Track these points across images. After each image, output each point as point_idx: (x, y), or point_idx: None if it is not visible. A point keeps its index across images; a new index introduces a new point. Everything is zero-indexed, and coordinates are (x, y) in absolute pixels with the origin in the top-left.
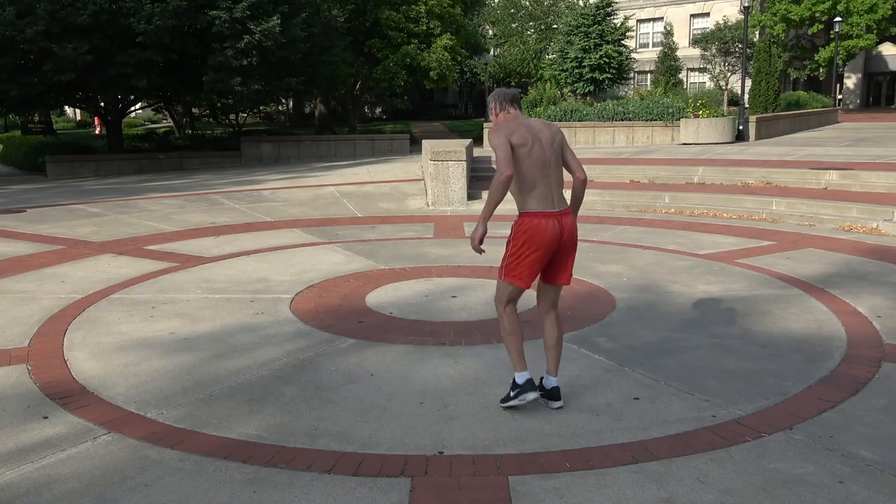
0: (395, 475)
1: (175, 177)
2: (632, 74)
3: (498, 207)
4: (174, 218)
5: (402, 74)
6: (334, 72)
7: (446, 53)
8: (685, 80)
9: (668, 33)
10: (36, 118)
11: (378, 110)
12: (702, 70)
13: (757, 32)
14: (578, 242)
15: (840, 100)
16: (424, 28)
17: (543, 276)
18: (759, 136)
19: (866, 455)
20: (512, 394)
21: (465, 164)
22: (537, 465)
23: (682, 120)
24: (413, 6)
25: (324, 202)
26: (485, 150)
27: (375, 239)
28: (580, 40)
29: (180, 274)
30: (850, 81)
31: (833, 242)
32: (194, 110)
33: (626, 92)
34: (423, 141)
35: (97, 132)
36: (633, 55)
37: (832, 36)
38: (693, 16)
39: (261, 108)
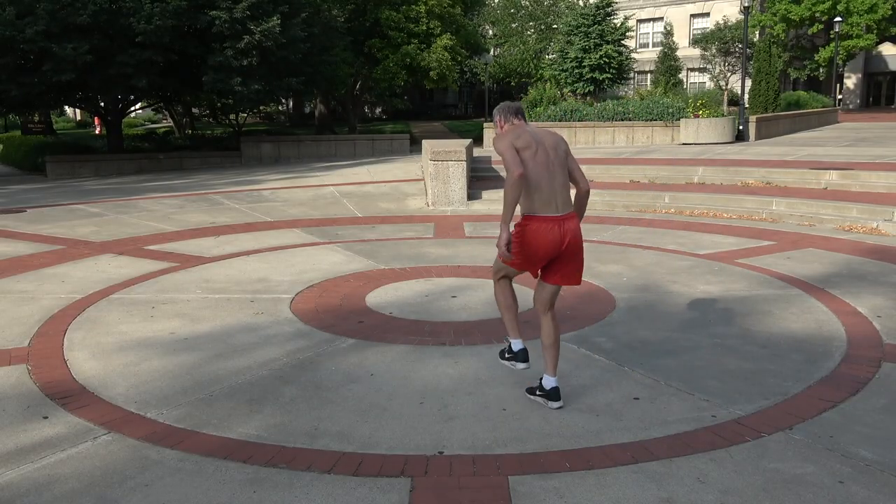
0: (395, 475)
1: (175, 177)
2: (632, 74)
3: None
4: (174, 218)
5: (402, 74)
6: (334, 72)
7: (446, 53)
8: (685, 80)
9: (668, 33)
10: (36, 118)
11: (378, 110)
12: (702, 70)
13: (757, 32)
14: None
15: (840, 100)
16: (424, 28)
17: (543, 274)
18: (759, 136)
19: (866, 455)
20: (507, 356)
21: (465, 164)
22: (537, 465)
23: (682, 120)
24: (413, 6)
25: (324, 202)
26: (485, 151)
27: (375, 239)
28: (580, 40)
29: (180, 274)
30: (850, 81)
31: (833, 242)
32: (194, 110)
33: (626, 92)
34: (423, 141)
35: (97, 132)
36: (633, 55)
37: (832, 36)
38: (693, 16)
39: (261, 108)
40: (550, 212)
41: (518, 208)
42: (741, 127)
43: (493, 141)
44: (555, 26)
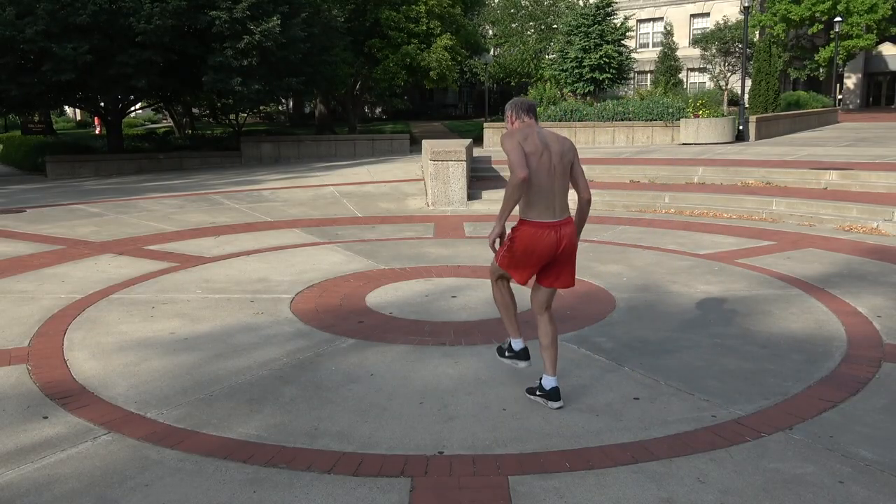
0: (395, 475)
1: (175, 177)
2: (632, 74)
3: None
4: (174, 218)
5: (402, 74)
6: (334, 72)
7: (446, 53)
8: (685, 80)
9: (668, 33)
10: (36, 118)
11: (378, 110)
12: (702, 70)
13: (757, 32)
14: (579, 243)
15: (840, 100)
16: (424, 28)
17: (539, 277)
18: (759, 136)
19: (866, 455)
20: (507, 354)
21: (465, 164)
22: (537, 465)
23: (682, 120)
24: (413, 6)
25: (324, 202)
26: (485, 151)
27: (375, 239)
28: (580, 40)
29: (180, 274)
30: (850, 81)
31: (833, 242)
32: (194, 110)
33: (626, 92)
34: (423, 141)
35: (97, 132)
36: (633, 55)
37: (832, 36)
38: (693, 16)
39: (261, 108)
40: (548, 217)
41: (516, 208)
42: (741, 127)
43: (502, 138)
44: (555, 26)
